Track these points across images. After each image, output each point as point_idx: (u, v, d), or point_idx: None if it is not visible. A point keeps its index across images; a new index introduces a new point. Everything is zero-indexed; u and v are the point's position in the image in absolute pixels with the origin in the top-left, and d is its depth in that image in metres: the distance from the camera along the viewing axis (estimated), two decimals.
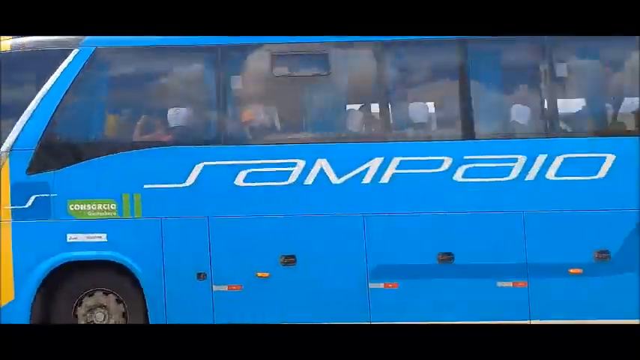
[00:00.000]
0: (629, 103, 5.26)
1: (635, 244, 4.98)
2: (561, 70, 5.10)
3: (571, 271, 5.00)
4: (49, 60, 5.26)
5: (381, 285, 5.11)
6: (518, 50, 5.27)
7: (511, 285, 5.05)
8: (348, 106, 5.38)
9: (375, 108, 5.21)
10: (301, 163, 5.09)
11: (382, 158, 5.06)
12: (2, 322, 4.98)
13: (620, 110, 5.25)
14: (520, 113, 5.16)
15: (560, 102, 5.18)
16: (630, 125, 5.22)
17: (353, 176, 5.07)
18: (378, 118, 5.19)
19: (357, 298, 5.11)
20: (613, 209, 4.99)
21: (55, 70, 5.21)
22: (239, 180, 5.11)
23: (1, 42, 5.31)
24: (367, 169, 5.07)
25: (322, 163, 5.08)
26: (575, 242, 5.01)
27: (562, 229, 5.03)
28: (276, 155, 5.15)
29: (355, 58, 5.31)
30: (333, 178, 5.08)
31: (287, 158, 5.12)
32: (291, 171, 5.09)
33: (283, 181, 5.10)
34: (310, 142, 5.19)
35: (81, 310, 5.20)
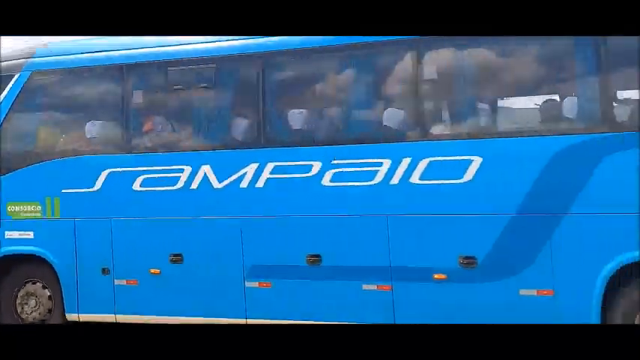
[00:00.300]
0: (502, 104, 5.03)
1: (506, 251, 4.76)
2: (430, 73, 5.02)
3: (435, 276, 4.90)
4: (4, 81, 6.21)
5: (256, 284, 5.38)
6: (383, 55, 5.26)
7: (375, 288, 5.06)
8: (231, 117, 5.69)
9: (252, 117, 5.49)
10: (188, 170, 5.53)
11: (258, 164, 5.34)
12: None
13: (490, 111, 5.02)
14: (388, 118, 5.15)
15: (427, 105, 5.09)
16: (502, 126, 4.98)
17: (232, 181, 5.41)
18: (255, 126, 5.46)
19: (235, 296, 5.43)
20: (480, 214, 4.82)
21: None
22: (136, 185, 5.68)
23: None
24: (244, 174, 5.38)
25: (206, 169, 5.48)
26: (440, 247, 4.90)
27: (426, 234, 4.95)
28: (167, 162, 5.64)
29: (237, 71, 5.65)
30: (215, 183, 5.46)
31: (176, 165, 5.58)
32: (179, 177, 5.55)
33: (173, 185, 5.58)
34: (196, 149, 5.60)
35: (21, 293, 6.07)
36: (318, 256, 5.19)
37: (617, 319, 4.56)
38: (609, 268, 4.50)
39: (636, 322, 4.53)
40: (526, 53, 4.95)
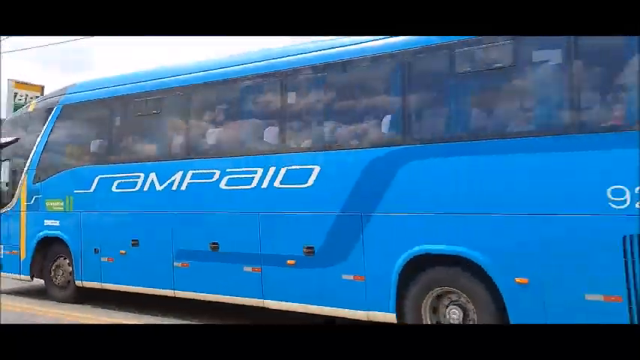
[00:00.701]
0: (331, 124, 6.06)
1: (332, 242, 5.84)
2: (290, 100, 6.27)
3: (288, 262, 6.13)
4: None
5: (180, 264, 7.07)
6: (260, 87, 6.60)
7: (251, 270, 6.43)
8: (169, 135, 7.46)
9: (181, 135, 7.22)
10: (142, 176, 7.44)
11: (182, 172, 7.04)
12: (22, 272, 8.70)
13: (328, 130, 6.07)
14: (268, 135, 6.48)
15: (288, 124, 6.32)
16: (340, 141, 5.98)
17: (167, 185, 7.19)
18: (180, 142, 7.19)
19: (168, 273, 7.18)
20: (316, 212, 5.94)
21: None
22: (114, 187, 7.75)
23: (31, 105, 9.16)
24: (173, 180, 7.12)
25: (152, 176, 7.34)
26: (291, 238, 6.12)
27: (283, 227, 6.20)
28: (130, 170, 7.61)
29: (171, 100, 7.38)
30: (158, 187, 7.28)
31: (135, 172, 7.53)
32: (137, 181, 7.49)
33: (133, 188, 7.53)
34: (148, 161, 7.49)
35: (53, 266, 8.56)
36: (216, 243, 6.71)
37: (409, 303, 5.38)
38: (403, 258, 5.36)
39: (424, 306, 5.31)
40: (350, 86, 6.01)
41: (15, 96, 27.56)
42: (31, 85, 28.51)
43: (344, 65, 5.94)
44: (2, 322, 5.99)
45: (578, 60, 4.66)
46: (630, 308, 4.37)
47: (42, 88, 29.62)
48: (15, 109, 25.39)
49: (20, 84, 27.85)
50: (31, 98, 24.89)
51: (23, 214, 8.82)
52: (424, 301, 5.31)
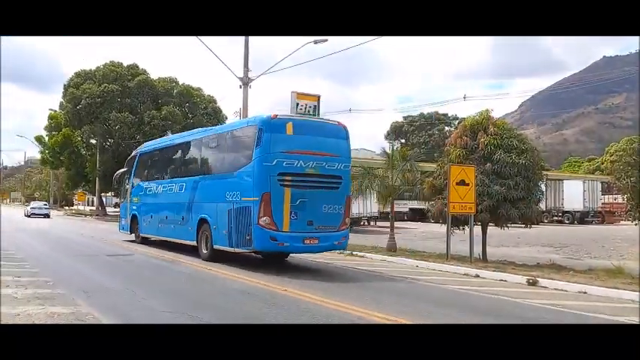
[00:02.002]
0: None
1: (185, 214, 14.77)
2: (183, 154, 15.52)
3: (176, 224, 15.22)
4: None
5: (159, 225, 16.71)
6: None
7: (172, 227, 15.69)
8: (166, 167, 17.20)
9: (168, 167, 16.99)
10: (156, 186, 17.32)
11: (163, 184, 16.69)
12: (127, 230, 19.54)
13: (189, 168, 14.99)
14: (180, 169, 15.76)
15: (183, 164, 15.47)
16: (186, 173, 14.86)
17: (163, 190, 16.92)
18: (167, 171, 16.92)
19: (158, 227, 16.86)
20: (184, 202, 14.88)
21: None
22: (147, 191, 17.79)
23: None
24: (168, 187, 16.81)
25: (160, 187, 17.14)
26: (178, 213, 15.23)
27: (177, 208, 15.32)
28: (152, 184, 17.58)
29: (163, 153, 17.20)
30: (161, 190, 17.06)
31: (154, 184, 17.44)
32: (154, 188, 17.42)
33: (154, 191, 17.46)
34: (158, 179, 17.39)
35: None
36: (167, 216, 16.18)
37: (198, 236, 14.10)
38: (198, 218, 14.06)
39: (200, 236, 14.00)
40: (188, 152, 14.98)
41: (297, 106, 34.06)
42: (310, 95, 34.70)
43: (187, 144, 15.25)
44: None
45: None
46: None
47: (318, 97, 36.34)
48: None
49: (301, 95, 34.12)
50: (310, 107, 31.04)
51: (128, 204, 19.41)
52: (200, 234, 13.80)
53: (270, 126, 11.44)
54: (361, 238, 21.25)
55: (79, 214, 54.38)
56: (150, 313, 7.32)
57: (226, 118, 43.29)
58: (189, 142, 15.66)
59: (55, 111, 46.47)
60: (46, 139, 50.22)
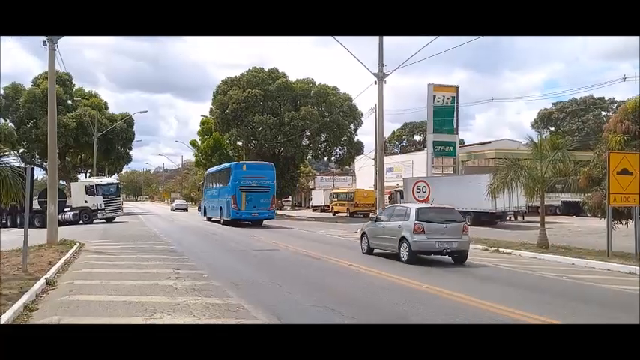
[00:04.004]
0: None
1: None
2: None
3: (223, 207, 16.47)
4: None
5: (211, 208, 22.17)
6: None
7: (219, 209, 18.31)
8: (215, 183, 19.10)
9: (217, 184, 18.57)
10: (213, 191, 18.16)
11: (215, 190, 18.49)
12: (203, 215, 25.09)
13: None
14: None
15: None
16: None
17: (214, 192, 20.26)
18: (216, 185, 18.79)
19: (215, 211, 23.28)
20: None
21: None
22: (208, 193, 19.08)
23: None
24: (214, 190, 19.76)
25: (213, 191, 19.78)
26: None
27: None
28: (211, 189, 19.29)
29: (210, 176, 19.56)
30: (214, 193, 19.65)
31: (211, 190, 18.38)
32: (212, 192, 18.98)
33: (211, 192, 18.93)
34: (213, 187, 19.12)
35: None
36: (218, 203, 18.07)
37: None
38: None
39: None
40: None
41: (434, 98, 34.52)
42: (447, 86, 35.16)
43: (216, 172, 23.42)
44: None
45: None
46: None
47: (456, 88, 36.23)
48: (434, 111, 33.78)
49: (438, 87, 34.63)
50: (447, 99, 31.36)
51: (202, 202, 22.27)
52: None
53: (236, 166, 27.12)
54: (508, 234, 20.09)
55: None
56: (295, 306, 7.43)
57: (362, 114, 43.31)
58: (217, 171, 29.56)
59: (206, 117, 50.09)
60: (199, 143, 54.47)
